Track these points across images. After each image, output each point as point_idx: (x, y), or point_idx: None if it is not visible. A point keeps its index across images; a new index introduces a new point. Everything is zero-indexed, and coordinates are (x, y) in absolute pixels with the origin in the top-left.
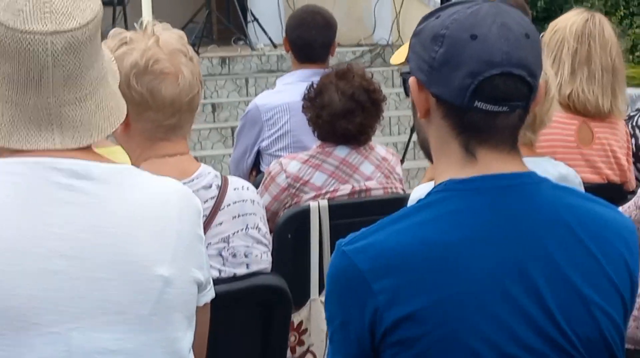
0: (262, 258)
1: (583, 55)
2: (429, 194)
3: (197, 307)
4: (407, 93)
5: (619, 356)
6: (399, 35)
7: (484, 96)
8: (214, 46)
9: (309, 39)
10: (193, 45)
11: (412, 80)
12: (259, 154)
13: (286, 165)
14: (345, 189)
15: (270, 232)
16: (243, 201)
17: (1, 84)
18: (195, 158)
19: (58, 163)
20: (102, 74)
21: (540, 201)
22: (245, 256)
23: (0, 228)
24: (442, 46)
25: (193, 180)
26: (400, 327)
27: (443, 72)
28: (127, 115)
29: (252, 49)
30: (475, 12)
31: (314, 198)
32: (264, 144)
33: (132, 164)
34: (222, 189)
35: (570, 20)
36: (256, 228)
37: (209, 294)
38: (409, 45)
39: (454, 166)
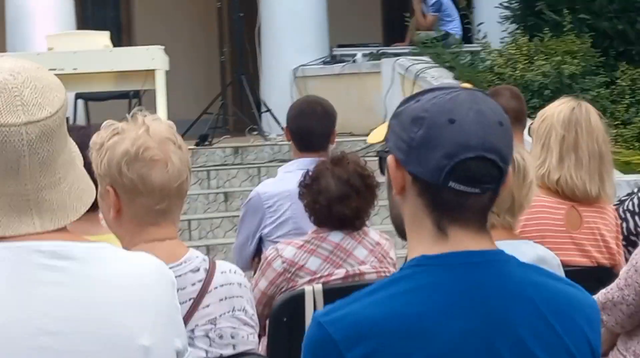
0: (248, 339)
1: (570, 142)
2: (402, 268)
3: None
4: (382, 171)
5: None
6: None
7: (458, 176)
8: (227, 136)
9: (308, 128)
10: (207, 135)
11: (390, 158)
12: (261, 241)
13: (282, 250)
14: (339, 273)
15: (266, 316)
16: (230, 284)
17: None
18: (207, 247)
19: (40, 246)
20: (72, 158)
21: (507, 278)
22: (232, 337)
23: None
24: (422, 127)
25: (181, 264)
26: None
27: (421, 153)
28: (118, 202)
29: (265, 139)
30: (454, 98)
31: (309, 282)
32: (265, 231)
33: (123, 247)
34: (210, 272)
35: (557, 109)
36: (243, 310)
37: None
38: (389, 125)
39: (426, 242)
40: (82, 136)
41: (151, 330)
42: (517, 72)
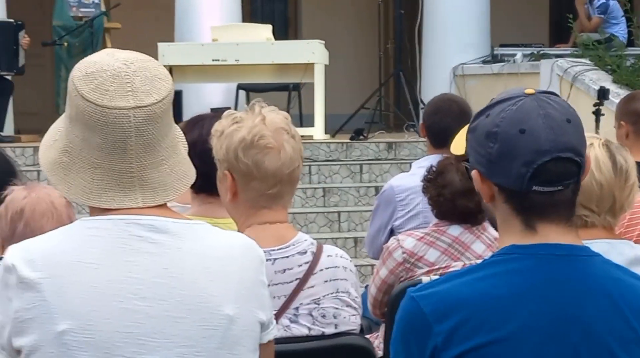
0: (350, 320)
1: None
2: (492, 255)
3: (261, 344)
4: (470, 178)
5: None
6: None
7: (540, 180)
8: (382, 131)
9: (444, 126)
10: (362, 130)
11: (474, 173)
12: (392, 232)
13: (403, 241)
14: (456, 266)
15: (385, 303)
16: (335, 267)
17: (92, 152)
18: (355, 239)
19: (139, 219)
20: (175, 143)
21: (588, 272)
22: (334, 317)
23: (90, 275)
24: (496, 142)
25: (289, 246)
26: None
27: (501, 165)
28: (234, 185)
29: (420, 136)
30: (520, 108)
31: (427, 273)
32: (397, 223)
33: (238, 230)
34: (316, 255)
35: None
36: (346, 293)
37: (272, 333)
38: (466, 140)
39: (516, 236)
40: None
41: (234, 300)
42: None
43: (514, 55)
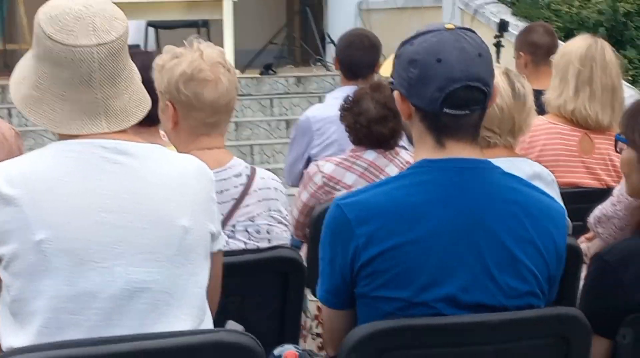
0: (281, 235)
1: (585, 76)
2: (407, 168)
3: (212, 253)
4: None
5: (537, 305)
6: None
7: (450, 103)
8: (291, 66)
9: (356, 59)
10: (271, 65)
11: (396, 93)
12: (309, 160)
13: (322, 166)
14: None
15: (307, 224)
16: (267, 188)
17: (60, 86)
18: (270, 169)
19: (105, 143)
20: (131, 74)
21: (489, 182)
22: (268, 233)
23: (63, 191)
24: (416, 68)
25: (226, 169)
26: (372, 263)
27: (418, 88)
28: (176, 115)
29: (327, 69)
30: (439, 40)
31: None
32: (313, 151)
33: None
34: (250, 177)
35: (576, 45)
36: (278, 211)
37: (221, 243)
38: (393, 64)
39: (428, 151)
40: (145, 59)
41: (189, 214)
42: (574, 9)
43: None
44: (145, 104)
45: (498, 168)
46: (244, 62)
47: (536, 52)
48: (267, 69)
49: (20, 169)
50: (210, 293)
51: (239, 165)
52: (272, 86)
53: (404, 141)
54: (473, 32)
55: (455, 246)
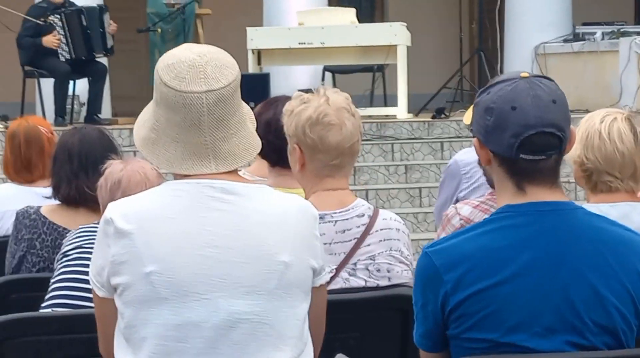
0: (402, 274)
1: None
2: (491, 215)
3: (314, 288)
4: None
5: (626, 342)
6: None
7: (526, 149)
8: (463, 110)
9: None
10: (443, 109)
11: (475, 140)
12: (457, 202)
13: (460, 209)
14: None
15: None
16: (389, 228)
17: (173, 129)
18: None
19: (213, 183)
20: (243, 119)
21: (573, 222)
22: (388, 271)
23: (171, 227)
24: (492, 115)
25: (349, 209)
26: (460, 306)
27: (495, 135)
28: (302, 157)
29: None
30: (514, 88)
31: None
32: (461, 194)
33: (305, 196)
34: (373, 218)
35: None
36: (399, 251)
37: (324, 278)
38: (472, 112)
39: (509, 198)
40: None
41: (290, 249)
42: None
43: (595, 33)
44: (254, 149)
45: (581, 208)
46: (417, 106)
47: None
48: (439, 113)
49: (135, 207)
50: (313, 327)
51: (361, 206)
52: (443, 130)
53: None
54: (549, 79)
55: (541, 287)
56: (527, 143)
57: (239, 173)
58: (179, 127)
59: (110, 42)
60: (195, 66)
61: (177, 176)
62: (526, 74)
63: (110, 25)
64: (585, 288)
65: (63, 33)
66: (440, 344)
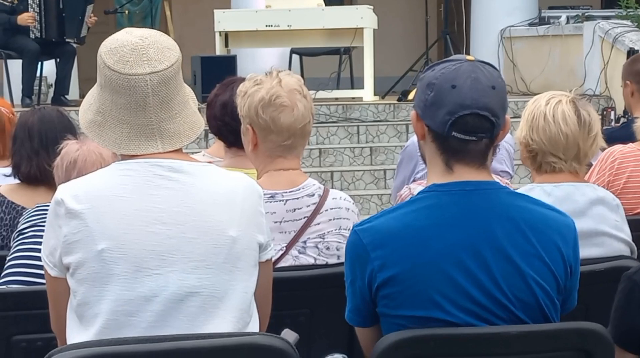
0: None
1: None
2: (417, 193)
3: (260, 263)
4: None
5: (551, 316)
6: (606, 86)
7: (458, 128)
8: None
9: None
10: (408, 92)
11: (412, 113)
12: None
13: (414, 189)
14: None
15: None
16: (339, 208)
17: (119, 111)
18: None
19: (160, 162)
20: (185, 99)
21: (496, 202)
22: (337, 249)
23: (122, 206)
24: (432, 91)
25: (300, 189)
26: (386, 285)
27: (432, 110)
28: (255, 138)
29: None
30: (457, 69)
31: None
32: (418, 176)
33: (258, 176)
34: (323, 197)
35: None
36: (348, 230)
37: (269, 253)
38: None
39: (437, 175)
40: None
41: (237, 225)
42: None
43: (559, 17)
44: (198, 127)
45: (505, 187)
46: (384, 88)
47: None
48: (404, 96)
49: (85, 187)
50: (260, 301)
51: (312, 186)
52: (408, 112)
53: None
54: (492, 66)
55: (465, 263)
56: (460, 122)
57: (200, 154)
58: (124, 109)
59: (84, 32)
60: (137, 48)
61: (125, 157)
62: (472, 58)
63: (91, 17)
64: (507, 264)
65: (38, 11)
66: (369, 319)
